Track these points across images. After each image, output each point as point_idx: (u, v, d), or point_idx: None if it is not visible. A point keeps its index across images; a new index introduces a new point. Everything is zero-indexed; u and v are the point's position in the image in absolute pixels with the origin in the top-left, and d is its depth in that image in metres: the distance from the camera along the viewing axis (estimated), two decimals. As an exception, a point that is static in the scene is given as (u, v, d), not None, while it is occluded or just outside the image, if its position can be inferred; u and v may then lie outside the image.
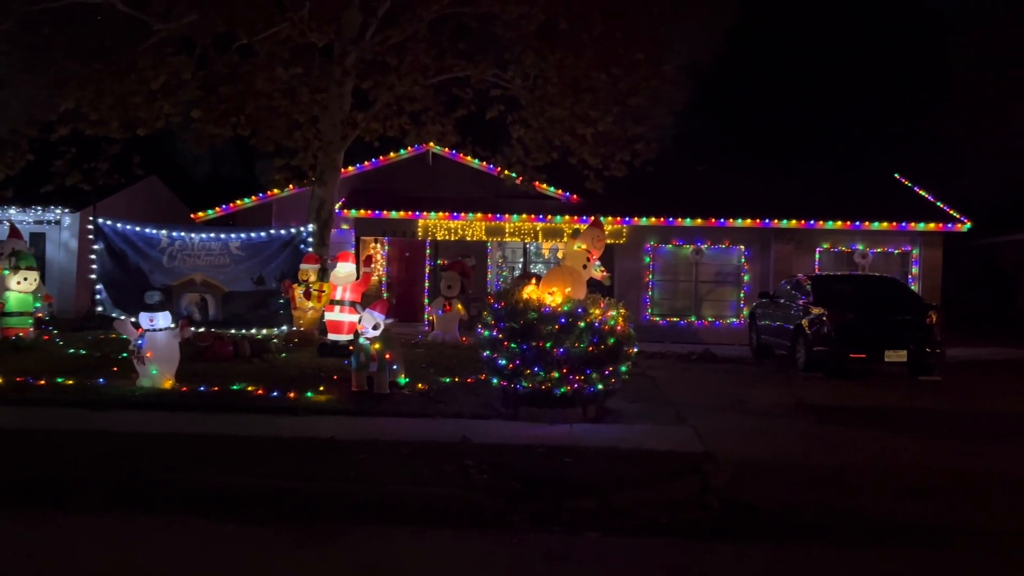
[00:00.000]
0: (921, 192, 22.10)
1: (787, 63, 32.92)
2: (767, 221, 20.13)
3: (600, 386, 8.29)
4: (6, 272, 13.08)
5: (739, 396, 10.90)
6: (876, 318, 13.48)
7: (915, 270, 20.49)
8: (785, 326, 14.90)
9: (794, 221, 20.12)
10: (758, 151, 32.44)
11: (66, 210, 20.94)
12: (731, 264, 21.03)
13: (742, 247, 20.82)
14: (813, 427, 9.00)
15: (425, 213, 20.05)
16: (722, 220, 20.14)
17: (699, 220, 20.16)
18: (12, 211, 20.46)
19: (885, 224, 20.10)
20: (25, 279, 13.09)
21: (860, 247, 20.54)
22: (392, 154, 21.12)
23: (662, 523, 5.40)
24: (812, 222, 20.13)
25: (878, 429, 8.94)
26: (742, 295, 20.65)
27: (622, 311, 8.60)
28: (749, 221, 20.14)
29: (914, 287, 19.49)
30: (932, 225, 20.14)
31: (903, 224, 20.10)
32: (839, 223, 20.13)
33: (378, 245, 21.46)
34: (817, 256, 20.63)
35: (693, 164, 24.51)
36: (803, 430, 8.79)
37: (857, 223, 20.10)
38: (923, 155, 25.42)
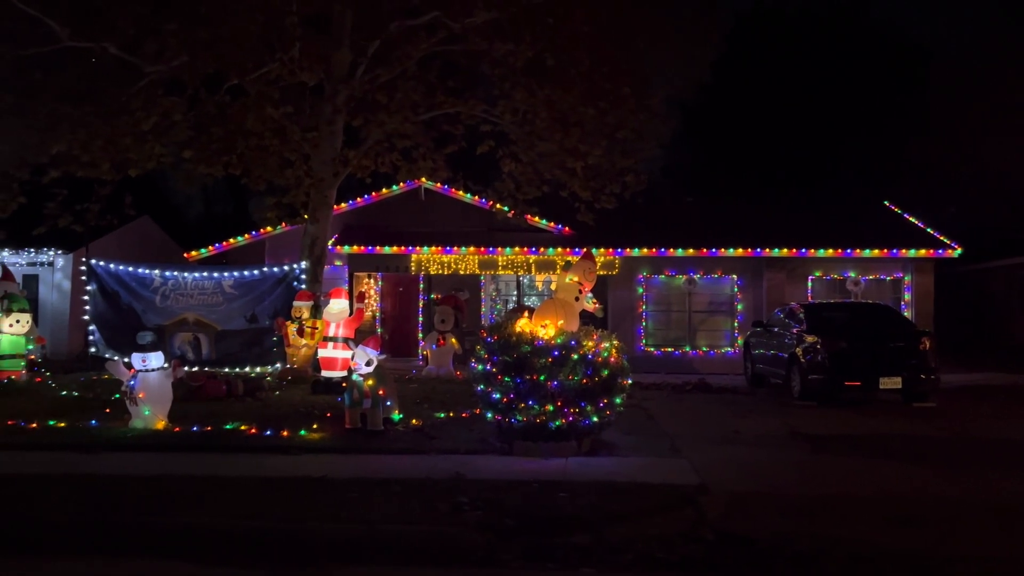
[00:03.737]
0: (911, 219, 22.26)
1: (773, 93, 33.36)
2: (759, 250, 20.23)
3: (595, 419, 8.27)
4: (-2, 315, 13.06)
5: (734, 426, 10.85)
6: (870, 345, 13.49)
7: (907, 296, 20.58)
8: (779, 355, 14.90)
9: (785, 250, 20.22)
10: (747, 181, 32.76)
11: (59, 252, 20.93)
12: (724, 293, 21.09)
13: (735, 276, 20.89)
14: (808, 456, 8.97)
15: (418, 248, 20.11)
16: (714, 250, 20.24)
17: (691, 250, 20.25)
18: (5, 253, 20.44)
19: (876, 251, 20.21)
20: (17, 321, 13.07)
21: (852, 274, 20.65)
22: (384, 190, 21.23)
23: (657, 557, 5.36)
24: (804, 250, 20.24)
25: (873, 457, 8.90)
26: (736, 324, 20.69)
27: (615, 342, 8.61)
28: (741, 250, 20.24)
29: (907, 313, 19.56)
30: (923, 251, 20.26)
31: (894, 251, 20.22)
32: (831, 251, 20.24)
33: (371, 280, 21.48)
34: (809, 284, 20.73)
35: (683, 195, 24.70)
36: (798, 460, 8.76)
37: (848, 250, 20.21)
38: (911, 182, 25.71)
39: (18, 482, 6.80)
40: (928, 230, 21.36)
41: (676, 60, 16.10)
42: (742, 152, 34.01)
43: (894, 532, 6.03)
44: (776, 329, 15.67)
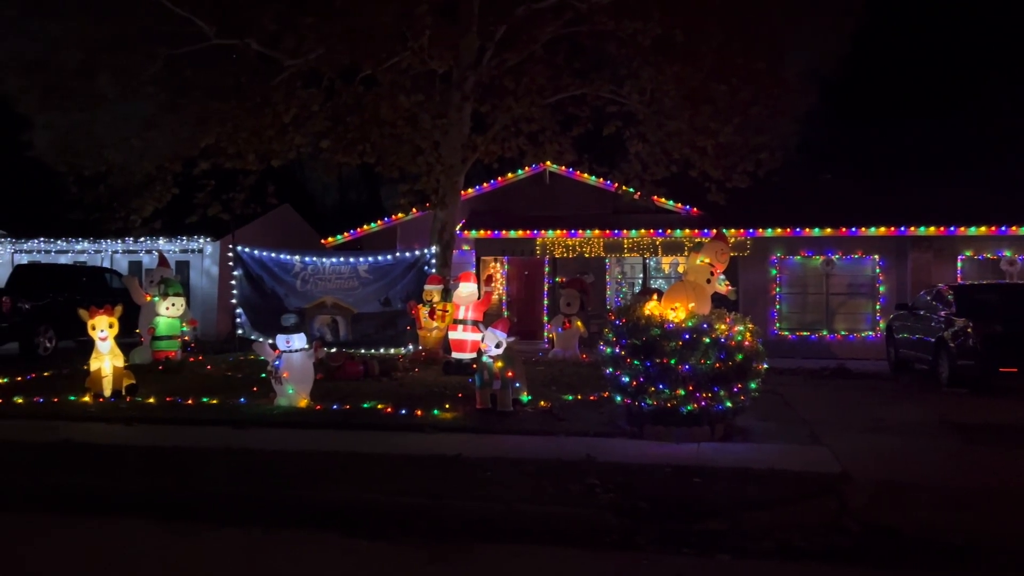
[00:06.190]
0: (1076, 192, 20.50)
1: (918, 62, 31.42)
2: (903, 229, 19.17)
3: (728, 404, 8.08)
4: (156, 298, 14.02)
5: (877, 414, 10.37)
6: (1028, 329, 12.57)
7: (1071, 277, 18.99)
8: (926, 339, 14.12)
9: (932, 228, 19.07)
10: (889, 156, 31.04)
11: (208, 239, 22.26)
12: (865, 275, 20.11)
13: (876, 257, 19.88)
14: (959, 446, 8.46)
15: (543, 231, 20.16)
16: (853, 229, 19.31)
17: (828, 230, 19.41)
18: (161, 241, 21.94)
19: (1035, 228, 18.74)
20: (173, 304, 13.97)
21: (1007, 253, 19.23)
22: (510, 175, 21.38)
23: (797, 546, 5.20)
24: (952, 228, 19.03)
25: (1034, 449, 8.32)
26: (878, 307, 19.71)
27: (750, 326, 8.37)
28: (883, 229, 19.23)
29: (1071, 295, 18.04)
30: (1091, 227, 18.63)
31: (1057, 227, 18.68)
32: (983, 228, 18.93)
33: (498, 264, 21.73)
34: (959, 264, 19.46)
35: (820, 172, 23.66)
36: (948, 450, 8.28)
37: (1003, 228, 18.83)
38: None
39: (180, 454, 7.30)
40: (1096, 204, 19.61)
41: (813, 32, 15.41)
42: (884, 126, 32.26)
43: (1060, 529, 5.61)
44: (922, 312, 14.85)
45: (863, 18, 15.77)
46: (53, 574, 4.83)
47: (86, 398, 10.15)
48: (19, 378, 12.09)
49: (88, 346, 10.85)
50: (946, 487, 6.68)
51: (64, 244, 23.20)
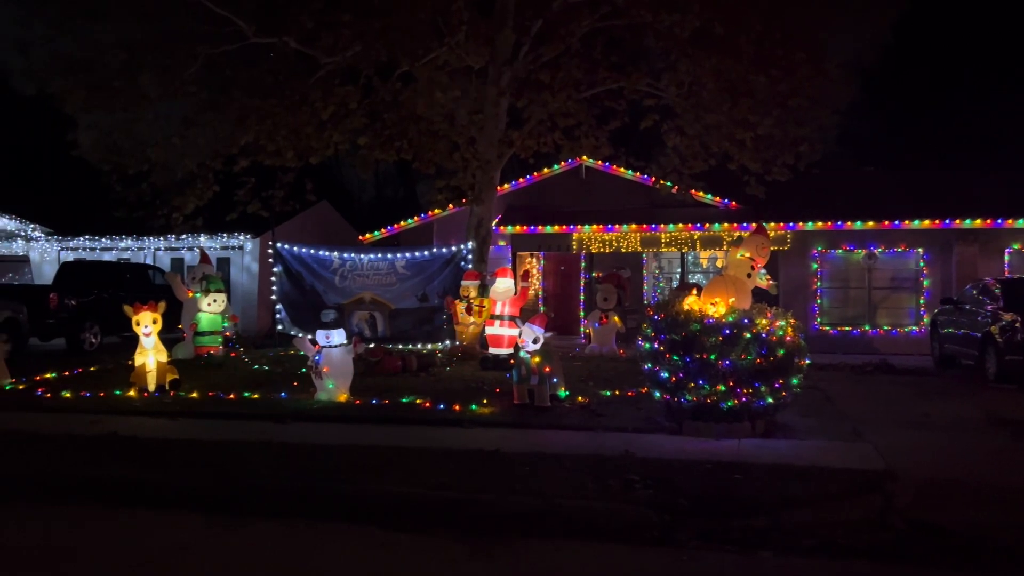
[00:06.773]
0: None
1: (962, 51, 30.73)
2: (948, 222, 18.77)
3: (770, 400, 7.98)
4: (198, 295, 14.22)
5: (922, 410, 10.17)
6: (1079, 324, 12.24)
7: (1124, 270, 18.46)
8: (972, 334, 13.82)
9: (979, 221, 18.65)
10: (933, 148, 30.42)
11: (248, 236, 22.52)
12: (908, 269, 19.75)
13: (920, 250, 19.51)
14: (1007, 443, 8.27)
15: (579, 226, 20.10)
16: (897, 222, 18.97)
17: (871, 223, 19.09)
18: (202, 238, 22.25)
19: (1087, 220, 18.23)
20: (215, 301, 14.17)
21: (1057, 246, 18.75)
22: (546, 170, 21.31)
23: (841, 544, 5.13)
24: (1000, 221, 18.59)
25: (1087, 446, 8.10)
26: (922, 301, 19.35)
27: (791, 320, 8.26)
28: (927, 222, 18.85)
29: (1124, 288, 17.53)
30: None
31: (1108, 219, 18.17)
32: (1031, 221, 18.48)
33: (534, 260, 21.70)
34: (1007, 258, 19.02)
35: (862, 164, 23.27)
36: (996, 446, 8.09)
37: (1053, 220, 18.36)
38: None
39: (222, 448, 7.40)
40: None
41: (854, 22, 15.12)
42: (928, 116, 31.63)
43: (1116, 529, 5.46)
44: (968, 307, 14.54)
45: (904, 6, 15.44)
46: (99, 565, 4.93)
47: (131, 393, 10.34)
48: (66, 373, 12.36)
49: (132, 342, 11.04)
50: (994, 485, 6.53)
51: (108, 241, 23.65)
